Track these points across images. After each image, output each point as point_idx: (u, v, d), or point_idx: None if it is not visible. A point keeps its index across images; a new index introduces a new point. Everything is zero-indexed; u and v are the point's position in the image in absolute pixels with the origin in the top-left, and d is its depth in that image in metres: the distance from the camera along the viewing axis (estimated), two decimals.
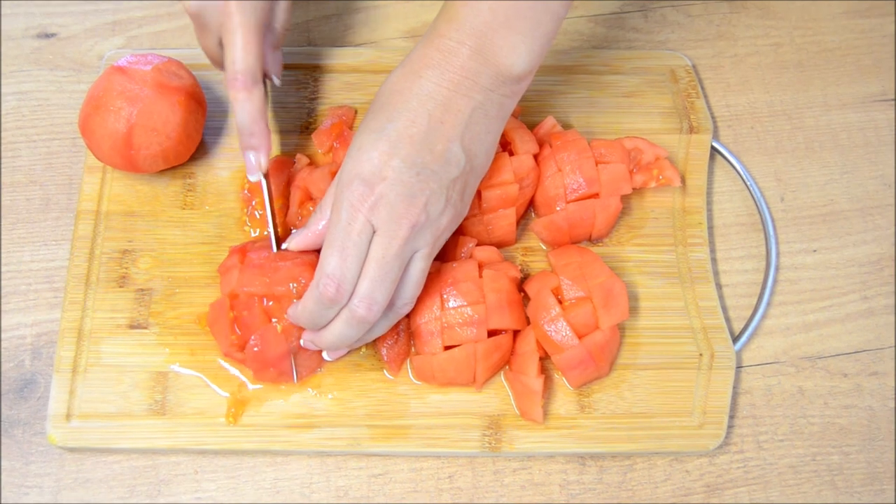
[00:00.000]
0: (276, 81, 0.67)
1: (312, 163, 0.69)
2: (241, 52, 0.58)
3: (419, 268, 0.57)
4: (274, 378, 0.62)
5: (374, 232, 0.54)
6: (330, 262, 0.55)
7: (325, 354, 0.63)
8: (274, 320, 0.60)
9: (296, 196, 0.67)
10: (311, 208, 0.66)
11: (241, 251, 0.62)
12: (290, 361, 0.61)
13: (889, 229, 0.72)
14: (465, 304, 0.61)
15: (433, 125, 0.54)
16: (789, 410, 0.66)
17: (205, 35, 0.63)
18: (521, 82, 0.57)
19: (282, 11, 0.64)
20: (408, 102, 0.55)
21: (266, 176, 0.63)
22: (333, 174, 0.65)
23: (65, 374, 0.63)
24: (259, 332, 0.59)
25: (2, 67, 0.75)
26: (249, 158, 0.62)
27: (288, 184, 0.68)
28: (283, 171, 0.68)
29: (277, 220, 0.64)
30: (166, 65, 0.66)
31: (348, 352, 0.63)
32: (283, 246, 0.62)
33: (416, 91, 0.55)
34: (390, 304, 0.57)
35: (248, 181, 0.68)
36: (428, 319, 0.61)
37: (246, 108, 0.60)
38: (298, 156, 0.70)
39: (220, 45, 0.62)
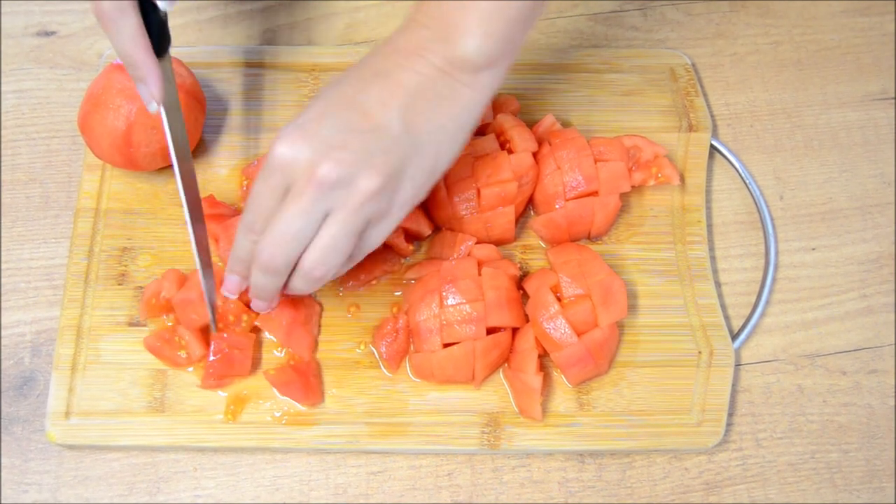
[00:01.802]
0: (167, 7, 0.58)
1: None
2: None
3: (329, 232, 0.52)
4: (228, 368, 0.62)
5: (288, 186, 0.52)
6: (244, 215, 0.54)
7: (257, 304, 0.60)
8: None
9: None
10: None
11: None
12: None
13: (888, 228, 0.72)
14: (464, 301, 0.61)
15: (373, 92, 0.52)
16: (788, 408, 0.66)
17: None
18: (480, 73, 0.54)
19: None
20: (357, 74, 0.54)
21: (171, 116, 0.59)
22: None
23: (64, 372, 0.63)
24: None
25: (1, 65, 0.75)
26: (140, 90, 0.58)
27: None
28: None
29: (187, 156, 0.61)
30: None
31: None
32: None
33: (366, 65, 0.54)
34: (298, 264, 0.54)
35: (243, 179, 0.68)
36: (427, 317, 0.61)
37: (119, 39, 0.56)
38: None
39: None
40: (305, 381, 0.61)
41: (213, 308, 0.62)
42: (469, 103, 0.54)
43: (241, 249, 0.56)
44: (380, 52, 0.54)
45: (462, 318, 0.60)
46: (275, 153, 0.51)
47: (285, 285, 0.56)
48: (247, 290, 0.58)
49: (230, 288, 0.58)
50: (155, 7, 0.57)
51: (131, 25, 0.55)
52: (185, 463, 0.62)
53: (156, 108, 0.58)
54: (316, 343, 0.64)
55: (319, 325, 0.65)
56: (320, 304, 0.65)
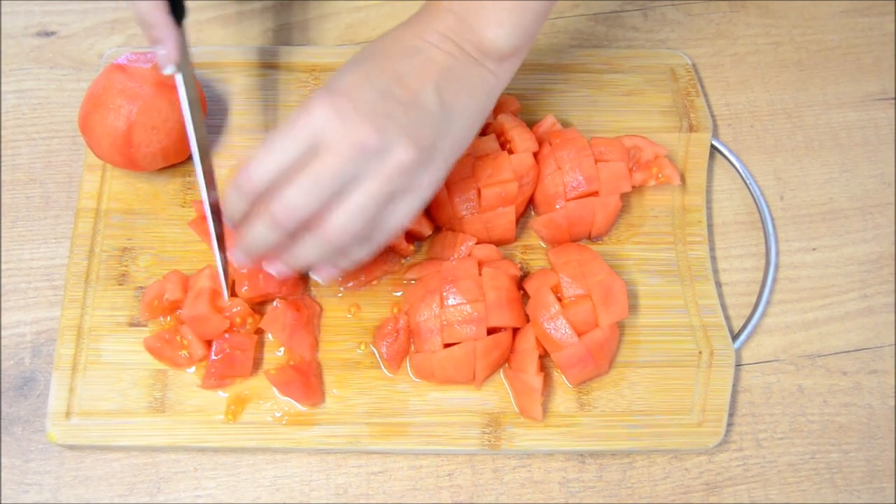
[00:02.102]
0: None
1: None
2: None
3: (355, 199, 0.51)
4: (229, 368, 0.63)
5: (316, 145, 0.51)
6: (252, 160, 0.52)
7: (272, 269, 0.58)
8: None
9: None
10: None
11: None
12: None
13: (889, 228, 0.72)
14: (465, 301, 0.61)
15: (409, 66, 0.53)
16: (789, 408, 0.66)
17: None
18: (505, 61, 0.56)
19: None
20: (390, 47, 0.54)
21: (187, 83, 0.60)
22: None
23: (64, 372, 0.63)
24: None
25: (2, 66, 0.75)
26: (158, 52, 0.58)
27: None
28: None
29: (201, 124, 0.62)
30: None
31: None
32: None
33: (398, 41, 0.55)
34: (319, 227, 0.52)
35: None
36: (427, 317, 0.61)
37: (139, 2, 0.56)
38: None
39: None
40: (306, 381, 0.61)
41: (226, 275, 0.63)
42: (492, 90, 0.56)
43: (236, 203, 0.54)
44: (408, 31, 0.55)
45: (463, 319, 0.60)
46: (313, 110, 0.50)
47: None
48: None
49: (239, 260, 0.57)
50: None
51: None
52: (185, 463, 0.62)
53: (172, 70, 0.58)
54: (317, 343, 0.64)
55: (319, 326, 0.65)
56: (320, 306, 0.65)
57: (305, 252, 0.54)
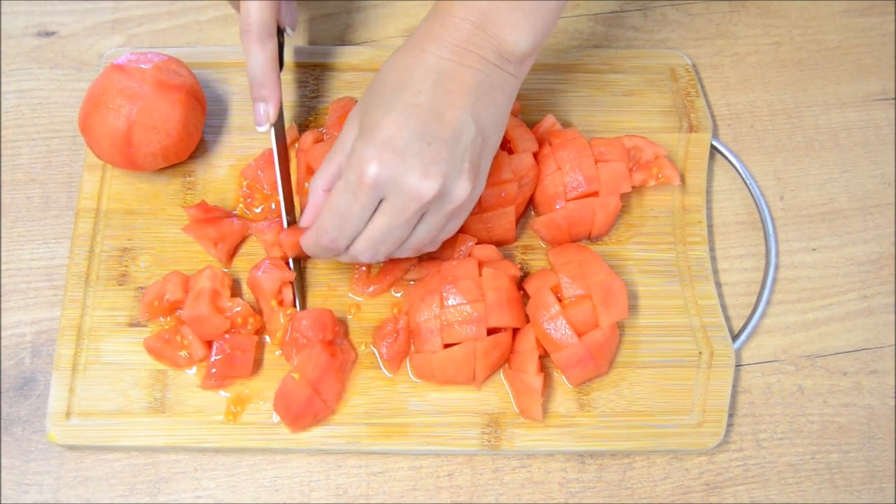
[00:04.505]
0: (290, 32, 0.66)
1: (319, 138, 0.69)
2: (256, 4, 0.59)
3: (418, 237, 0.57)
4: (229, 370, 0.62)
5: (381, 199, 0.54)
6: (328, 222, 0.56)
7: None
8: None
9: (301, 164, 0.68)
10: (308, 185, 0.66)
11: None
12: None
13: (889, 228, 0.72)
14: (465, 302, 0.61)
15: (440, 94, 0.53)
16: (789, 409, 0.66)
17: None
18: (525, 62, 0.56)
19: None
20: (412, 74, 0.54)
21: (277, 133, 0.64)
22: None
23: (64, 372, 0.63)
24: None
25: (2, 66, 0.75)
26: (258, 109, 0.62)
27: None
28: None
29: (291, 184, 0.66)
30: (166, 63, 0.66)
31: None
32: (301, 224, 0.61)
33: (419, 64, 0.54)
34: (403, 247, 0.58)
35: (249, 171, 0.69)
36: (427, 317, 0.61)
37: (258, 59, 0.60)
38: (292, 125, 0.71)
39: None
40: (311, 410, 0.61)
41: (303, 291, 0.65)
42: (513, 90, 0.58)
43: (316, 253, 0.59)
44: (426, 50, 0.55)
45: (463, 319, 0.60)
46: (369, 174, 0.53)
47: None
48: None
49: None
50: (280, 32, 0.63)
51: (273, 49, 0.61)
52: (185, 463, 0.62)
53: (266, 128, 0.63)
54: (344, 391, 0.63)
55: (351, 374, 0.64)
56: (356, 353, 0.65)
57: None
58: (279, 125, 0.65)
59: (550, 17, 0.56)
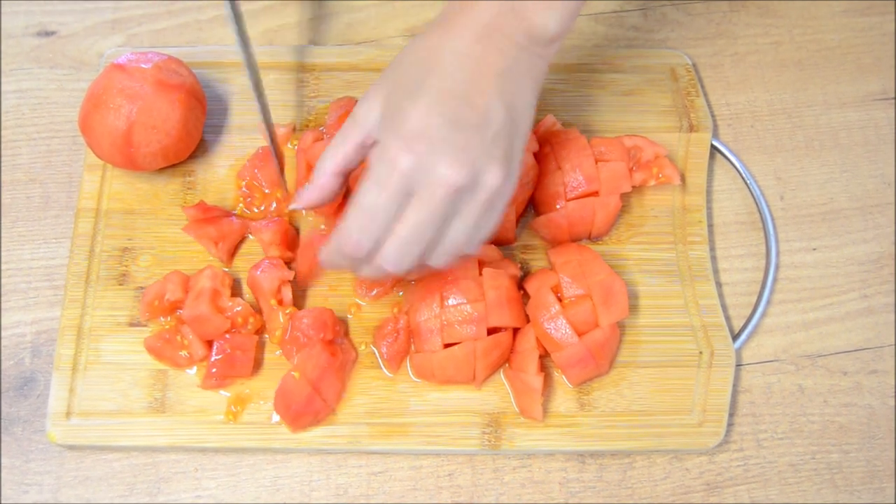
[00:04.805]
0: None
1: (319, 137, 0.69)
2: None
3: (455, 238, 0.53)
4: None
5: (409, 194, 0.51)
6: (353, 223, 0.53)
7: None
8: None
9: (301, 163, 0.68)
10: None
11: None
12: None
13: (889, 228, 0.72)
14: (465, 301, 0.61)
15: (469, 79, 0.52)
16: (789, 409, 0.66)
17: None
18: (553, 44, 0.54)
19: None
20: (440, 58, 0.52)
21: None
22: None
23: (65, 372, 0.63)
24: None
25: (2, 65, 0.75)
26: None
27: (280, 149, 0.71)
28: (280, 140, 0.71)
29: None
30: (166, 62, 0.66)
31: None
32: (290, 207, 0.60)
33: (447, 47, 0.52)
34: (429, 253, 0.54)
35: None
36: (427, 317, 0.61)
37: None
38: (289, 123, 0.72)
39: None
40: (311, 409, 0.61)
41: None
42: (542, 73, 0.55)
43: (338, 262, 0.55)
44: (450, 33, 0.53)
45: (463, 319, 0.60)
46: (398, 161, 0.50)
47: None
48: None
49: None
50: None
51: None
52: (185, 463, 0.62)
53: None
54: (344, 390, 0.63)
55: (351, 374, 0.64)
56: (356, 352, 0.64)
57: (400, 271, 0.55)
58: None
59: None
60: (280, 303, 0.64)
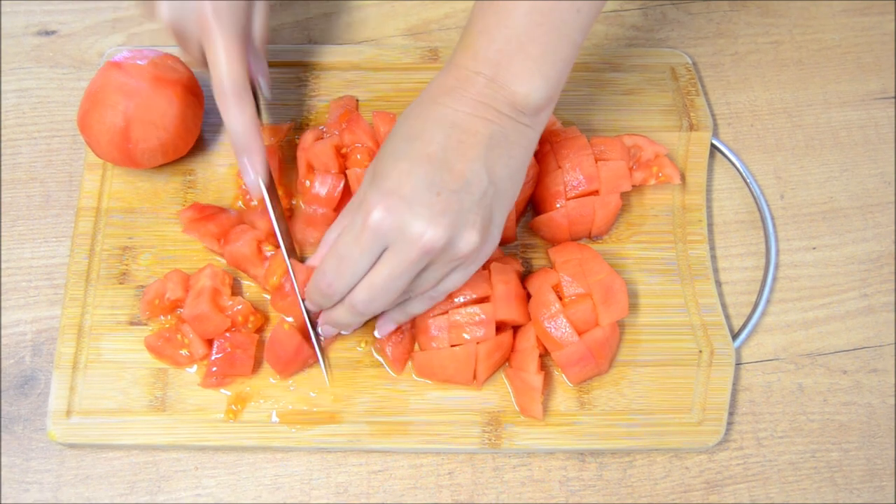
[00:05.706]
0: (266, 92, 0.66)
1: (319, 136, 0.69)
2: (226, 65, 0.58)
3: (426, 278, 0.56)
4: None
5: (384, 248, 0.54)
6: (328, 266, 0.56)
7: (323, 329, 0.63)
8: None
9: (302, 162, 0.68)
10: (308, 183, 0.67)
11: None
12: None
13: (889, 227, 0.72)
14: (474, 296, 0.60)
15: (451, 145, 0.53)
16: (789, 407, 0.66)
17: (187, 47, 0.61)
18: (541, 113, 0.55)
19: (260, 16, 0.63)
20: (425, 124, 0.54)
21: (269, 188, 0.63)
22: (336, 147, 0.66)
23: (65, 371, 0.63)
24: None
25: (2, 65, 0.75)
26: (248, 173, 0.61)
27: (279, 146, 0.70)
28: (276, 136, 0.71)
29: (284, 228, 0.64)
30: (163, 58, 0.66)
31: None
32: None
33: (433, 116, 0.54)
34: (402, 300, 0.58)
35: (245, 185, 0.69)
36: (434, 315, 0.61)
37: (238, 120, 0.59)
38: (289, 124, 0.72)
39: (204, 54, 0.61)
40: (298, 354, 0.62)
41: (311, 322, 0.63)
42: (531, 142, 0.56)
43: (319, 302, 0.59)
44: (439, 103, 0.54)
45: (471, 321, 0.60)
46: (373, 218, 0.52)
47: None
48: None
49: (326, 333, 0.63)
50: (255, 93, 0.62)
51: (251, 108, 0.59)
52: (186, 462, 0.62)
53: (253, 179, 0.61)
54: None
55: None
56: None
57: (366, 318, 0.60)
58: (270, 182, 0.63)
59: (563, 66, 0.54)
60: (264, 259, 0.64)
